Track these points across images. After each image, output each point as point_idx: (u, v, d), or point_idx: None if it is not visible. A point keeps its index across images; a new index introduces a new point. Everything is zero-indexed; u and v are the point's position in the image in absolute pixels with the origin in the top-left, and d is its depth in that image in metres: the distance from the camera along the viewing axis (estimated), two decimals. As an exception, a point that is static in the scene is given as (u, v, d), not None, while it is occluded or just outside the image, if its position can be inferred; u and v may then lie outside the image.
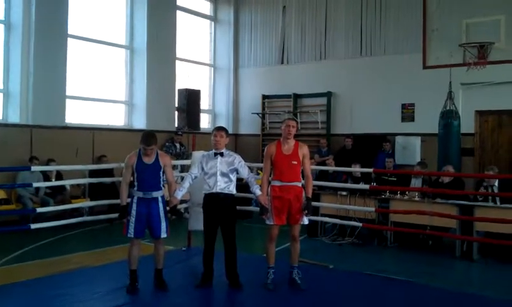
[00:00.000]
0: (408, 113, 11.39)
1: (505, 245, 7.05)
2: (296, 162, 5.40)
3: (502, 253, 7.21)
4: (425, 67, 10.46)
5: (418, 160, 10.64)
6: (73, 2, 10.36)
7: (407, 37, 11.29)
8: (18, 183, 8.58)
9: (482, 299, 5.41)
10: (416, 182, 8.37)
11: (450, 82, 9.50)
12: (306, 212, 5.37)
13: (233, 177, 5.46)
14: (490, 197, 7.47)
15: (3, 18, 9.49)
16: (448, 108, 9.56)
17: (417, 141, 11.00)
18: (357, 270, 6.43)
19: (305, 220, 5.49)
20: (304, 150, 5.48)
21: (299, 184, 5.46)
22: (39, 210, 7.40)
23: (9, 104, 9.53)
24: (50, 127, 9.65)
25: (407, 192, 8.01)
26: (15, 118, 9.47)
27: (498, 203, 7.32)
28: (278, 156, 5.41)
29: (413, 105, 11.33)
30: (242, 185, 6.69)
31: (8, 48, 9.52)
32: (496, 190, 7.46)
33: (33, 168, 7.78)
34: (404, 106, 11.42)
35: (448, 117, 9.54)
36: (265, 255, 5.60)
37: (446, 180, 7.95)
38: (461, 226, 7.26)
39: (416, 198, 7.77)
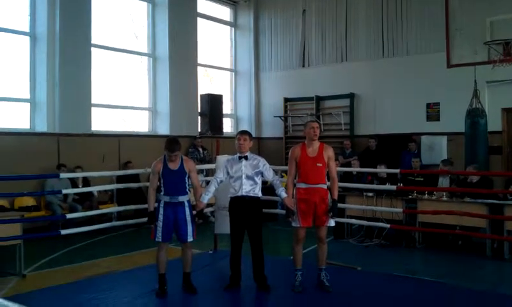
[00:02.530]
0: (433, 112, 11.25)
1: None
2: (321, 164, 5.38)
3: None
4: (449, 66, 10.29)
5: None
6: (96, 13, 10.53)
7: (429, 36, 11.15)
8: (46, 190, 8.74)
9: (516, 299, 5.30)
10: (444, 181, 8.25)
11: (475, 80, 9.35)
12: (331, 214, 5.34)
13: (259, 180, 5.47)
14: (520, 196, 7.32)
15: (28, 31, 9.70)
16: (474, 106, 9.40)
17: (443, 140, 10.84)
18: (385, 271, 6.36)
19: (331, 222, 5.46)
20: (329, 152, 5.46)
21: (325, 186, 5.43)
22: (68, 216, 7.52)
23: (37, 113, 9.73)
24: (76, 135, 9.82)
25: (434, 192, 7.90)
26: (42, 126, 9.66)
27: (529, 201, 7.17)
28: (303, 158, 5.40)
29: (438, 104, 11.18)
30: (267, 187, 6.71)
31: (34, 59, 9.72)
32: (526, 188, 7.31)
33: (62, 175, 7.91)
34: (428, 105, 11.28)
35: (475, 115, 9.38)
36: (292, 257, 5.59)
37: (474, 179, 7.81)
38: (491, 225, 7.13)
39: (445, 198, 7.65)
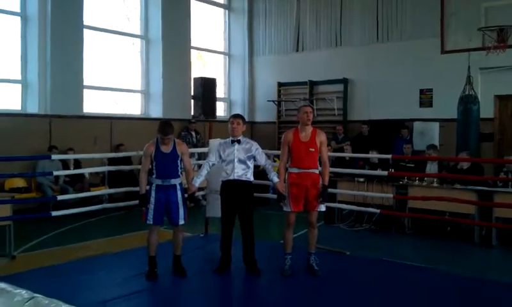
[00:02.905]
0: (426, 98, 11.28)
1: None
2: (313, 149, 5.37)
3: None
4: (443, 52, 10.30)
5: (437, 145, 10.55)
6: (88, -7, 10.42)
7: (424, 22, 11.12)
8: (37, 171, 8.71)
9: (501, 284, 5.36)
10: (432, 167, 8.30)
11: (468, 67, 9.34)
12: (321, 199, 5.36)
13: (251, 164, 5.47)
14: (510, 183, 7.36)
15: (19, 10, 9.58)
16: (467, 93, 9.42)
17: (435, 126, 10.87)
18: (374, 256, 6.41)
19: (322, 207, 5.48)
20: (321, 137, 5.46)
21: (317, 171, 5.44)
22: (60, 197, 7.52)
23: (28, 95, 9.65)
24: (68, 117, 9.77)
25: (425, 178, 7.94)
26: (33, 108, 9.59)
27: (519, 189, 7.23)
28: (296, 143, 5.40)
29: (431, 90, 11.21)
30: (259, 172, 6.72)
31: (25, 39, 9.62)
32: (516, 176, 7.36)
33: (53, 157, 7.87)
34: (422, 91, 11.31)
35: (467, 102, 9.41)
36: (282, 242, 5.62)
37: (465, 165, 7.86)
38: (480, 212, 7.19)
39: (435, 184, 7.70)
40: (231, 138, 5.46)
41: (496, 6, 9.70)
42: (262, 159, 5.52)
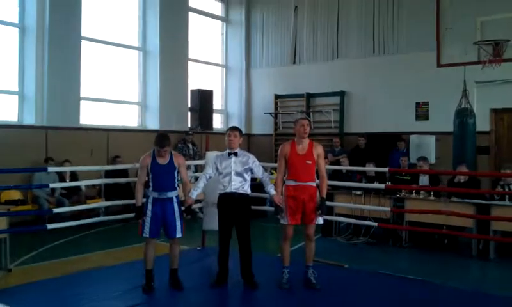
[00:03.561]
0: (422, 111, 11.32)
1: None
2: (310, 162, 5.38)
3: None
4: (439, 65, 10.37)
5: (433, 158, 10.60)
6: (86, 5, 10.44)
7: (420, 35, 11.20)
8: (34, 183, 8.66)
9: (499, 298, 5.35)
10: (423, 179, 8.32)
11: (464, 81, 9.40)
12: (319, 212, 5.35)
13: (248, 177, 5.47)
14: (507, 196, 7.37)
15: (17, 22, 9.60)
16: (463, 106, 9.46)
17: (432, 139, 10.91)
18: (372, 269, 6.39)
19: (320, 220, 5.46)
20: (318, 150, 5.46)
21: (314, 184, 5.44)
22: (56, 210, 7.48)
23: (25, 106, 9.63)
24: (64, 128, 9.74)
25: (421, 191, 7.94)
26: (30, 119, 9.57)
27: (516, 202, 7.23)
28: (293, 156, 5.40)
29: (427, 103, 11.26)
30: (256, 184, 6.71)
31: (23, 51, 9.63)
32: (513, 189, 7.37)
33: (50, 169, 7.84)
34: (418, 104, 11.35)
35: (463, 115, 9.44)
36: (280, 255, 5.60)
37: (462, 179, 7.87)
38: (478, 226, 7.19)
39: (432, 197, 7.70)
40: (228, 150, 5.46)
41: (491, 20, 9.78)
42: (259, 172, 5.52)
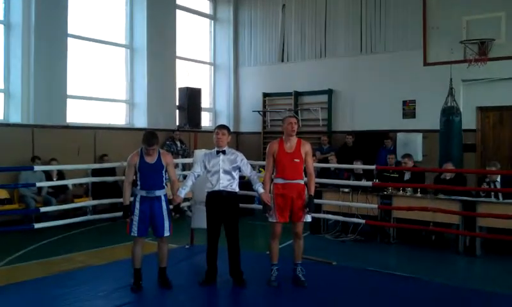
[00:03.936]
0: (409, 110, 11.42)
1: (507, 241, 7.07)
2: (298, 160, 5.39)
3: (505, 248, 7.22)
4: (425, 64, 10.44)
5: (420, 156, 10.69)
6: (72, 2, 10.36)
7: (407, 34, 11.29)
8: (20, 182, 8.58)
9: (485, 294, 5.41)
10: (406, 175, 8.40)
11: (451, 79, 9.50)
12: (307, 209, 5.37)
13: (236, 175, 5.47)
14: (492, 193, 7.46)
15: (3, 19, 9.49)
16: (449, 104, 9.56)
17: (418, 137, 11.01)
18: (360, 266, 6.43)
19: (308, 218, 5.48)
20: (306, 148, 5.48)
21: (302, 182, 5.45)
22: (42, 209, 7.42)
23: (11, 104, 9.54)
24: (51, 127, 9.66)
25: (408, 188, 8.01)
26: (16, 117, 9.48)
27: (501, 199, 7.33)
28: (281, 154, 5.41)
29: (414, 101, 11.36)
30: (244, 182, 6.71)
31: (8, 48, 9.52)
32: (498, 186, 7.47)
33: (36, 168, 7.77)
34: (405, 103, 11.46)
35: (450, 113, 9.54)
36: (268, 252, 5.61)
37: (448, 176, 7.95)
38: (464, 222, 7.27)
39: (418, 194, 7.77)
40: (216, 149, 5.45)
41: (477, 19, 9.85)
42: (247, 170, 5.52)
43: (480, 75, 9.94)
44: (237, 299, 5.32)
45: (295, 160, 5.38)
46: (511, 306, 5.10)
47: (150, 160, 5.21)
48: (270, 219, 5.42)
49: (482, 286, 5.72)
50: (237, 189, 5.47)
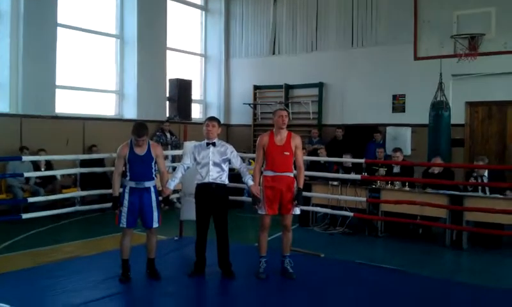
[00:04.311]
0: (398, 104, 11.47)
1: (493, 235, 7.16)
2: (288, 153, 5.41)
3: (491, 242, 7.31)
4: (416, 58, 10.49)
5: (409, 150, 10.75)
6: (62, -9, 10.26)
7: (398, 28, 11.31)
8: (8, 172, 8.51)
9: (472, 287, 5.48)
10: (395, 169, 8.46)
11: (440, 74, 9.55)
12: (296, 202, 5.39)
13: (226, 167, 5.48)
14: (480, 187, 7.54)
15: (-9, 7, 9.38)
16: (438, 99, 9.61)
17: (408, 131, 11.08)
18: (348, 259, 6.48)
19: (297, 211, 5.51)
20: (296, 141, 5.50)
21: (291, 174, 5.48)
22: (30, 199, 7.38)
23: (-1, 94, 9.45)
24: (40, 117, 9.57)
25: (396, 182, 8.06)
26: (4, 107, 9.38)
27: (488, 193, 7.40)
28: (271, 146, 5.42)
29: (403, 96, 11.41)
30: (234, 175, 6.72)
31: (-3, 37, 9.42)
32: (486, 180, 7.53)
33: (24, 158, 7.71)
34: (395, 97, 11.50)
35: (439, 108, 9.59)
36: (257, 244, 5.63)
37: (436, 170, 8.01)
38: (451, 216, 7.34)
39: (407, 188, 7.82)
40: (206, 141, 5.45)
41: (468, 14, 9.90)
42: (237, 162, 5.53)
43: (470, 70, 10.00)
44: (225, 291, 5.34)
45: (285, 153, 5.40)
46: (497, 299, 5.15)
47: (140, 151, 5.19)
48: (259, 211, 5.44)
49: (469, 279, 5.79)
50: (226, 181, 5.48)
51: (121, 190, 5.28)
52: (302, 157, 5.62)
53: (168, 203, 5.55)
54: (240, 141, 12.42)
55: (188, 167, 5.55)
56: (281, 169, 5.38)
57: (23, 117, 9.36)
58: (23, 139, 9.26)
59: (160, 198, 5.36)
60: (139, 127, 5.18)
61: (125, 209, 5.16)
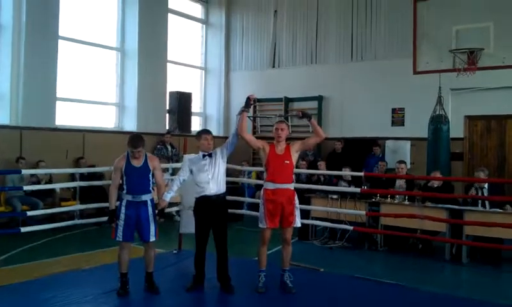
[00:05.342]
0: (398, 117, 11.50)
1: (493, 249, 7.14)
2: (288, 162, 5.44)
3: (491, 257, 7.28)
4: (415, 72, 10.53)
5: (408, 164, 10.73)
6: (64, 4, 10.30)
7: (397, 42, 11.39)
8: (7, 184, 8.48)
9: (472, 302, 5.45)
10: (400, 182, 8.44)
11: (439, 88, 9.59)
12: (300, 114, 5.70)
13: (223, 174, 5.46)
14: (480, 201, 7.52)
15: (-7, 19, 9.44)
16: (437, 113, 9.64)
17: (407, 145, 11.09)
18: (347, 273, 6.45)
19: (298, 223, 5.50)
20: (295, 146, 5.56)
21: (292, 186, 5.49)
22: (29, 213, 7.36)
23: (-1, 105, 9.47)
24: (40, 129, 9.58)
25: (396, 196, 8.06)
26: (4, 119, 9.39)
27: (488, 207, 7.39)
28: (272, 155, 5.45)
29: (403, 109, 11.44)
30: (233, 188, 6.71)
31: (-2, 48, 9.46)
32: (486, 193, 7.50)
33: (24, 172, 7.70)
34: (394, 110, 11.54)
35: (438, 122, 9.62)
36: (256, 258, 5.60)
37: (436, 184, 8.00)
38: (451, 230, 7.33)
39: (406, 202, 7.81)
40: (202, 153, 5.45)
41: (466, 29, 9.95)
42: (228, 141, 5.54)
43: (469, 84, 10.04)
44: (224, 305, 5.32)
45: (285, 161, 5.43)
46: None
47: (137, 163, 5.17)
48: (260, 225, 5.43)
49: (469, 294, 5.76)
50: (224, 189, 5.45)
51: (118, 203, 5.25)
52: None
53: (164, 215, 5.50)
54: (239, 154, 12.32)
55: (184, 180, 5.51)
56: (282, 179, 5.39)
57: (23, 129, 9.36)
58: (23, 150, 9.25)
59: (156, 211, 5.33)
60: (135, 138, 5.17)
61: (121, 222, 5.12)
